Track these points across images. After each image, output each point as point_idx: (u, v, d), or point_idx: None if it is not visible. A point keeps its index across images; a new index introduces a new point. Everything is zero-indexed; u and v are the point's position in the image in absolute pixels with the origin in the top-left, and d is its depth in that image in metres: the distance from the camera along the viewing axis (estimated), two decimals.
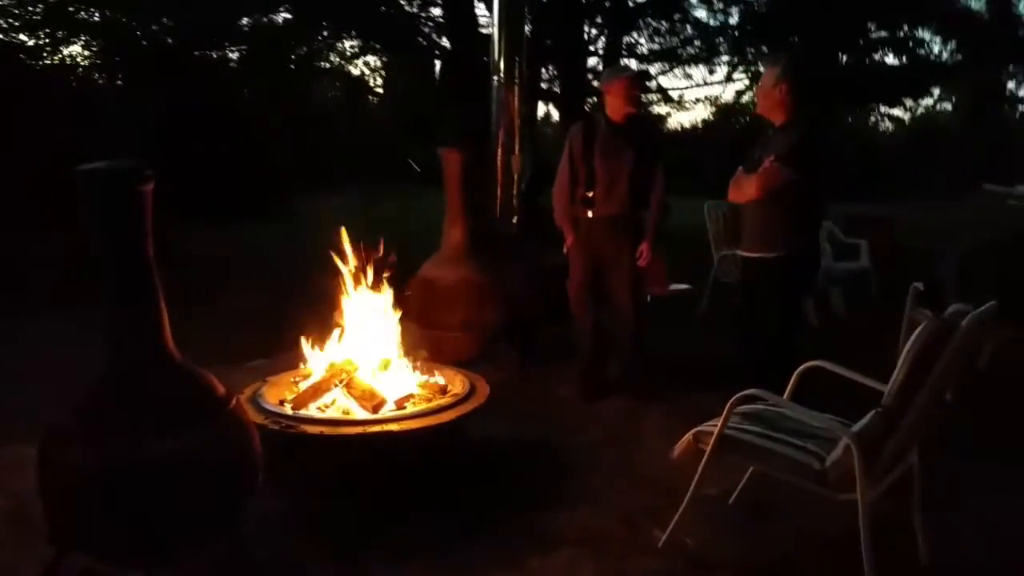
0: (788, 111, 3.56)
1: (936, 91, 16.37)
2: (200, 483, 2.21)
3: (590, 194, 4.02)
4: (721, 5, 13.08)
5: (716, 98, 20.19)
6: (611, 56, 14.08)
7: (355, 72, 15.83)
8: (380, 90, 17.42)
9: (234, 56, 12.89)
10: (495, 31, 5.00)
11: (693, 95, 18.15)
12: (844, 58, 14.23)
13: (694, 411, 3.95)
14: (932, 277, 4.34)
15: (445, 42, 14.08)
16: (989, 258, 4.11)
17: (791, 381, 2.82)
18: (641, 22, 13.67)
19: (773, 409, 2.67)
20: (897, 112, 19.04)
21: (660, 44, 14.21)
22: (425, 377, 3.43)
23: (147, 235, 2.24)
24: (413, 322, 4.30)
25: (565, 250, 4.19)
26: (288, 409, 3.05)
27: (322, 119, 14.72)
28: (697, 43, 13.91)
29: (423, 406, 3.14)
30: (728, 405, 2.45)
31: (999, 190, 11.20)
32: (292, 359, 4.64)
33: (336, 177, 13.69)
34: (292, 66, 13.18)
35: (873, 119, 20.78)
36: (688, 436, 2.60)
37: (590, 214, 4.04)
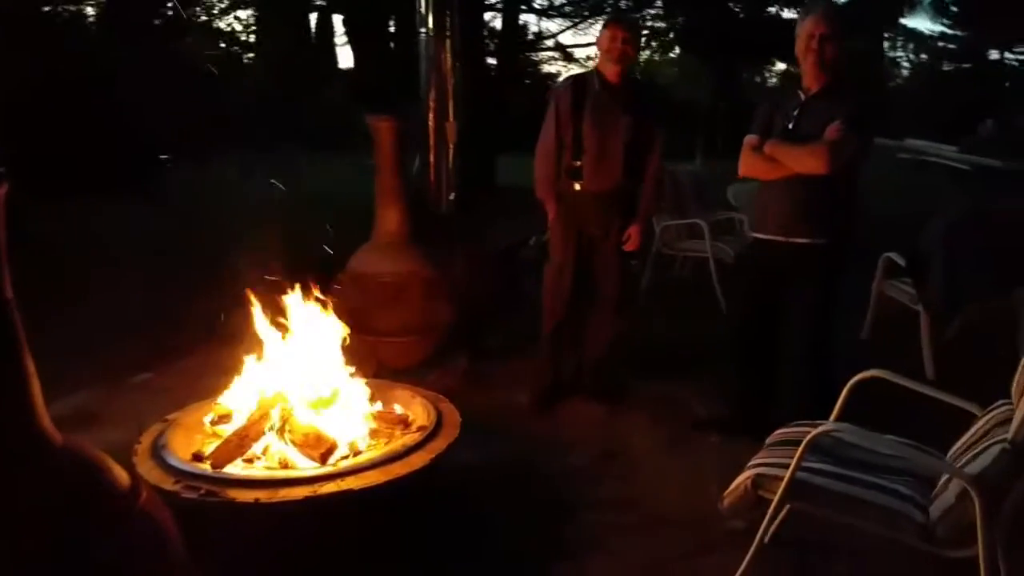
0: (832, 69, 2.97)
1: None
2: None
3: (577, 163, 3.39)
4: None
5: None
6: (509, 10, 13.41)
7: (225, 28, 14.44)
8: (251, 50, 16.02)
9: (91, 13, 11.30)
10: None
11: (584, 52, 17.41)
12: (739, 13, 14.16)
13: (679, 412, 3.54)
14: (913, 249, 4.02)
15: None
16: (976, 228, 3.81)
17: (841, 396, 2.35)
18: None
19: (833, 436, 2.18)
20: (783, 66, 19.36)
21: None
22: (378, 403, 2.76)
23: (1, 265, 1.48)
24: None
25: (548, 227, 3.57)
26: (207, 467, 2.32)
27: (195, 80, 13.26)
28: None
29: (384, 449, 2.49)
30: (804, 444, 1.93)
31: (889, 144, 11.44)
32: (186, 369, 3.89)
33: (213, 144, 12.41)
34: (156, 21, 11.70)
35: (758, 76, 21.13)
36: (744, 481, 2.07)
37: (577, 187, 3.42)
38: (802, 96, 3.04)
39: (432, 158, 4.35)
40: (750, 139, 3.10)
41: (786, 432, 2.28)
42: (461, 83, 4.37)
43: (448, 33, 4.23)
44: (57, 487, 1.51)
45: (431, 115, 4.29)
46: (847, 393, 2.35)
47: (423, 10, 4.20)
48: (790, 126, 3.01)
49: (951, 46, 22.91)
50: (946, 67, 22.95)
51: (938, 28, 22.62)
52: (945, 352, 3.95)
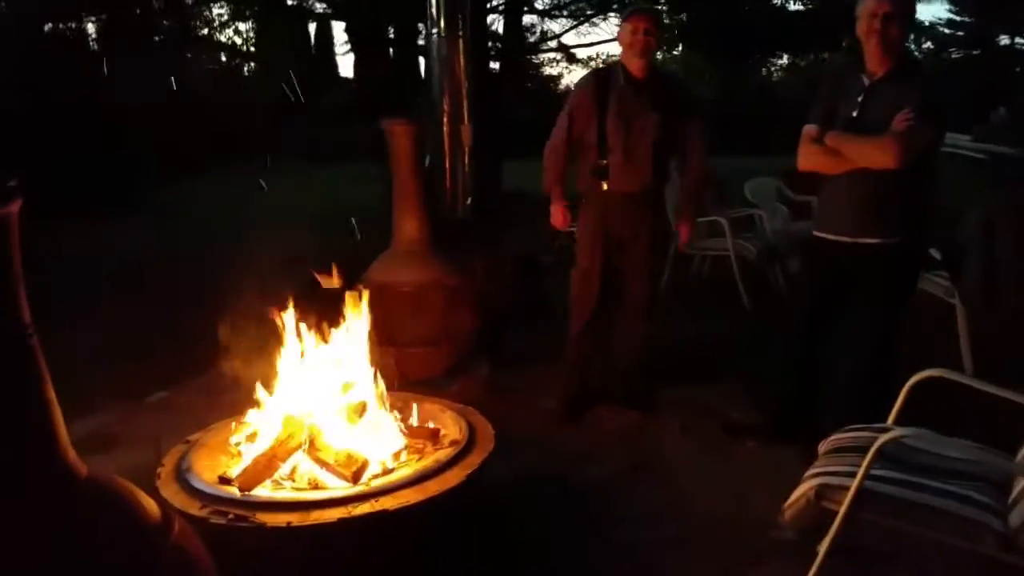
0: (900, 52, 2.74)
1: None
2: None
3: (604, 162, 3.24)
4: None
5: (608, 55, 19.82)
6: (511, 12, 13.31)
7: (225, 41, 14.35)
8: (252, 60, 15.95)
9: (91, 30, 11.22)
10: None
11: (585, 53, 17.15)
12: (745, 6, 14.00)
13: (710, 417, 3.42)
14: (949, 242, 3.89)
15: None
16: (1011, 219, 3.68)
17: (900, 398, 2.23)
18: None
19: (902, 441, 2.05)
20: (785, 59, 19.21)
21: None
22: (408, 417, 2.65)
23: (17, 285, 1.36)
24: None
25: (570, 227, 3.46)
26: (235, 491, 2.21)
27: (196, 96, 13.20)
28: None
29: (416, 466, 2.37)
30: (873, 450, 1.82)
31: None
32: (203, 387, 3.79)
33: (214, 159, 12.34)
34: (158, 37, 11.61)
35: (763, 69, 21.01)
36: (806, 491, 1.95)
37: (604, 187, 3.26)
38: (866, 81, 2.76)
39: (448, 163, 4.23)
40: (809, 129, 2.84)
41: (842, 438, 2.17)
42: (474, 85, 4.25)
43: (461, 33, 4.11)
44: (85, 524, 1.40)
45: (445, 118, 4.17)
46: (906, 394, 2.23)
47: (434, 11, 4.08)
48: (854, 114, 2.75)
49: (959, 33, 22.67)
50: (954, 55, 22.73)
51: (944, 15, 22.40)
52: (981, 345, 3.84)
